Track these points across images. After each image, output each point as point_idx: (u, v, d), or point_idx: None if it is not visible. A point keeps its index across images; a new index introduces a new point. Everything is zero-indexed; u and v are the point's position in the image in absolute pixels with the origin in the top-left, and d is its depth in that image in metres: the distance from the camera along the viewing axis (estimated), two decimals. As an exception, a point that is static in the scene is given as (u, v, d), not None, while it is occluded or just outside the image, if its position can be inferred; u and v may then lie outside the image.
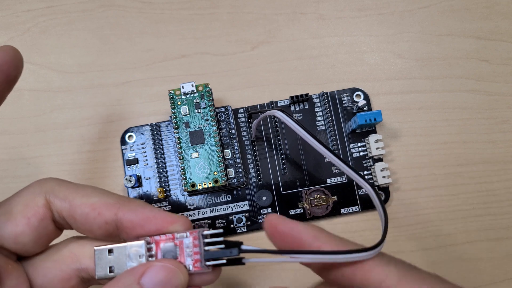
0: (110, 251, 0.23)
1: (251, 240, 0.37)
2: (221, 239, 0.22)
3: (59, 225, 0.24)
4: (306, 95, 0.37)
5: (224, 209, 0.37)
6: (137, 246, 0.22)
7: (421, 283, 0.20)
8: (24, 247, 0.23)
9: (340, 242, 0.22)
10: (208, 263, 0.22)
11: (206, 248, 0.22)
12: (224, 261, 0.22)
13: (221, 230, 0.22)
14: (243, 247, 0.22)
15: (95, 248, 0.23)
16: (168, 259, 0.22)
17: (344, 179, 0.37)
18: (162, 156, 0.37)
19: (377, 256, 0.21)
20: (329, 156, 0.27)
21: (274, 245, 0.23)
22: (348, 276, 0.21)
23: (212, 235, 0.22)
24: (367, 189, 0.24)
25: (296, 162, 0.37)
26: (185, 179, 0.35)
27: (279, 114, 0.30)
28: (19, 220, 0.22)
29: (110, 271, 0.22)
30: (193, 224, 0.36)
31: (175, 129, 0.35)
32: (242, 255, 0.22)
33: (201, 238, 0.22)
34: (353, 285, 0.21)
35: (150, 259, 0.22)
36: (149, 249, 0.22)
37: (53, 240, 0.25)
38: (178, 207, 0.37)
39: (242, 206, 0.37)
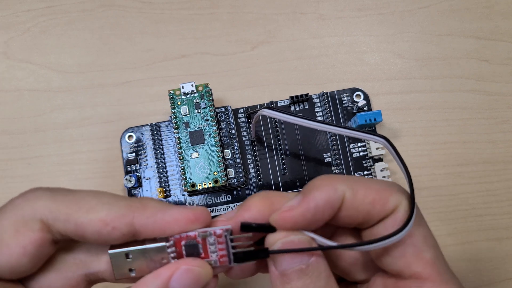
0: (127, 255, 0.21)
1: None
2: (249, 239, 0.21)
3: (60, 241, 0.21)
4: (306, 95, 0.37)
5: (224, 209, 0.37)
6: (158, 249, 0.21)
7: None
8: (22, 274, 0.20)
9: (367, 185, 0.22)
10: (237, 264, 0.21)
11: (233, 249, 0.21)
12: (254, 260, 0.21)
13: (250, 234, 0.21)
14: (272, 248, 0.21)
15: (109, 252, 0.21)
16: (193, 259, 0.21)
17: (344, 179, 0.37)
18: (162, 156, 0.37)
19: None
20: (328, 128, 0.26)
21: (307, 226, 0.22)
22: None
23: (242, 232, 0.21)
24: (380, 141, 0.24)
25: (296, 162, 0.37)
26: (185, 179, 0.35)
27: (266, 111, 0.29)
28: (13, 250, 0.19)
29: (130, 271, 0.21)
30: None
31: (175, 129, 0.35)
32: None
33: (227, 238, 0.21)
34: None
35: (172, 260, 0.21)
36: (170, 249, 0.21)
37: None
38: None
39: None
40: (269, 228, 0.21)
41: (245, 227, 0.21)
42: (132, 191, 0.37)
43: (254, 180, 0.37)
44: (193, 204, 0.37)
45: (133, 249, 0.21)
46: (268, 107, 0.30)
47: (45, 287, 0.21)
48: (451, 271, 0.21)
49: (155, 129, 0.37)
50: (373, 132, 0.24)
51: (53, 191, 0.21)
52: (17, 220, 0.20)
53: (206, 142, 0.35)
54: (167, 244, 0.21)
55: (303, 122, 0.28)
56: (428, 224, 0.22)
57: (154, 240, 0.21)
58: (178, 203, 0.37)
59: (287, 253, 0.20)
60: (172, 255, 0.21)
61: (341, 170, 0.37)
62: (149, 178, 0.37)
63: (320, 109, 0.38)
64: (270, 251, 0.21)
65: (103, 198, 0.21)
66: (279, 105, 0.38)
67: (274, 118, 0.37)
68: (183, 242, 0.21)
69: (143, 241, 0.21)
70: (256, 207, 0.21)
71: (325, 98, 0.38)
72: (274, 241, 0.21)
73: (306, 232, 0.21)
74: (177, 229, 0.21)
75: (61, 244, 0.22)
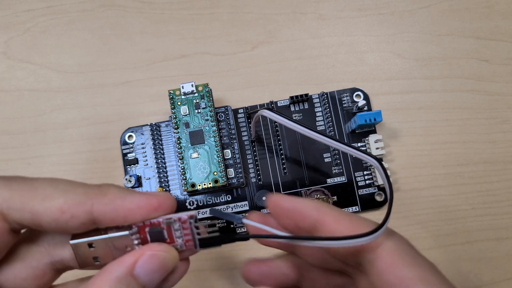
0: (90, 244, 0.20)
1: (252, 240, 0.37)
2: (213, 225, 0.21)
3: (19, 231, 0.21)
4: (306, 95, 0.37)
5: (224, 209, 0.37)
6: (121, 237, 0.20)
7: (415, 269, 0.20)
8: None
9: (341, 215, 0.22)
10: (203, 248, 0.21)
11: (198, 236, 0.21)
12: (219, 246, 0.21)
13: (214, 221, 0.21)
14: (245, 221, 0.22)
15: (71, 242, 0.20)
16: (158, 244, 0.20)
17: (344, 179, 0.37)
18: (162, 156, 0.37)
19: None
20: (324, 140, 0.27)
21: (279, 222, 0.23)
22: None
23: (201, 220, 0.21)
24: (372, 162, 0.25)
25: (296, 162, 0.37)
26: (185, 179, 0.35)
27: (266, 112, 0.30)
28: None
29: (94, 259, 0.21)
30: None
31: (175, 129, 0.35)
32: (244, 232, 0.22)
33: (192, 225, 0.21)
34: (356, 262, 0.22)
35: (137, 247, 0.20)
36: (134, 235, 0.20)
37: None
38: (178, 207, 0.37)
39: (242, 206, 0.37)
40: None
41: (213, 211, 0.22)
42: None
43: (254, 180, 0.37)
44: (193, 204, 0.37)
45: (95, 239, 0.20)
46: (268, 108, 0.30)
47: (10, 277, 0.21)
48: None
49: (155, 129, 0.37)
50: (367, 153, 0.25)
51: (8, 179, 0.20)
52: None
53: (206, 142, 0.35)
54: (130, 232, 0.20)
55: (299, 128, 0.28)
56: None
57: (117, 228, 0.20)
58: (178, 203, 0.37)
59: None
60: (136, 241, 0.20)
61: (341, 170, 0.37)
62: (149, 178, 0.37)
63: (320, 109, 0.38)
64: (236, 237, 0.21)
65: (60, 185, 0.20)
66: (279, 105, 0.38)
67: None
68: (147, 229, 0.20)
69: (106, 229, 0.20)
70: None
71: (325, 98, 0.38)
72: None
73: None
74: (139, 216, 0.20)
75: (24, 234, 0.21)
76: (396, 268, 0.20)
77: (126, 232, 0.20)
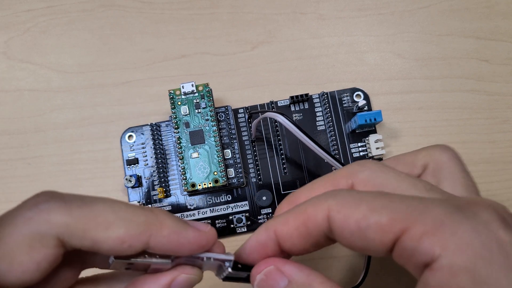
0: (130, 263, 0.20)
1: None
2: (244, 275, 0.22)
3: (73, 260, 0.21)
4: (306, 95, 0.37)
5: (224, 209, 0.37)
6: (162, 264, 0.21)
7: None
8: (29, 286, 0.19)
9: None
10: (224, 281, 0.22)
11: (225, 274, 0.22)
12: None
13: (244, 274, 0.22)
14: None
15: (113, 260, 0.20)
16: (191, 268, 0.21)
17: (344, 179, 0.37)
18: (162, 156, 0.37)
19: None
20: (330, 161, 0.27)
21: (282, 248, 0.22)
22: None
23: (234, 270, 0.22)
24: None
25: (296, 162, 0.37)
26: (185, 179, 0.35)
27: (280, 118, 0.30)
28: (26, 267, 0.18)
29: (126, 269, 0.21)
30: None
31: (175, 129, 0.35)
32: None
33: (224, 267, 0.22)
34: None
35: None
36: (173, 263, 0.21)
37: None
38: (178, 207, 0.37)
39: (242, 206, 0.37)
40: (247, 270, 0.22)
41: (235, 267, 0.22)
42: (132, 190, 0.37)
43: (254, 180, 0.37)
44: (192, 204, 0.37)
45: (139, 261, 0.20)
46: (281, 113, 0.30)
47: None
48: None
49: (155, 129, 0.37)
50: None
51: (67, 201, 0.19)
52: (31, 235, 0.18)
53: (206, 142, 0.35)
54: (171, 262, 0.21)
55: (312, 145, 0.28)
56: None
57: (157, 254, 0.21)
58: (178, 203, 0.37)
59: None
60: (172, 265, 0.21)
61: (341, 170, 0.37)
62: (149, 178, 0.37)
63: (320, 109, 0.38)
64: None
65: (120, 212, 0.20)
66: (279, 105, 0.38)
67: (274, 118, 0.37)
68: (184, 259, 0.21)
69: (150, 253, 0.21)
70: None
71: (325, 98, 0.38)
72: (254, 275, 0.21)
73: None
74: (187, 252, 0.21)
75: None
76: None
77: (168, 261, 0.21)
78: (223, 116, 0.37)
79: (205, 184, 0.34)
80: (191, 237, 0.20)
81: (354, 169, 0.22)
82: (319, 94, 0.38)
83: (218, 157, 0.35)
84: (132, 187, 0.37)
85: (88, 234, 0.19)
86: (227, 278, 0.22)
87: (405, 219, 0.17)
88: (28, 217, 0.18)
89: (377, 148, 0.36)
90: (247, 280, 0.22)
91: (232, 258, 0.22)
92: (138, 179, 0.37)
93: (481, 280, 0.15)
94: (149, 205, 0.37)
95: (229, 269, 0.22)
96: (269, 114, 0.32)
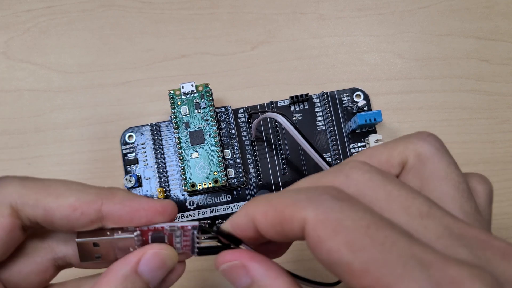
0: (95, 244, 0.21)
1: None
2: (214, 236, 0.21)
3: (28, 229, 0.22)
4: (306, 95, 0.37)
5: (224, 209, 0.37)
6: (126, 239, 0.21)
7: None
8: None
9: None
10: (200, 255, 0.22)
11: (198, 244, 0.21)
12: (216, 254, 0.21)
13: (214, 234, 0.21)
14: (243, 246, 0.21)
15: (77, 240, 0.21)
16: (158, 244, 0.21)
17: (344, 179, 0.37)
18: (162, 156, 0.37)
19: None
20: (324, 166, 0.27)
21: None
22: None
23: (204, 233, 0.21)
24: None
25: (296, 162, 0.37)
26: (185, 179, 0.35)
27: (280, 118, 0.30)
28: None
29: (96, 258, 0.21)
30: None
31: (175, 129, 0.35)
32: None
33: (194, 235, 0.21)
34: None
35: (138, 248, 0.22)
36: (137, 238, 0.21)
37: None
38: (178, 207, 0.37)
39: (242, 206, 0.37)
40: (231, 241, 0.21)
41: (204, 231, 0.21)
42: (132, 190, 0.37)
43: (254, 180, 0.37)
44: (193, 204, 0.37)
45: (102, 239, 0.21)
46: (282, 114, 0.30)
47: (14, 272, 0.21)
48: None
49: (155, 129, 0.37)
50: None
51: (22, 178, 0.21)
52: None
53: (206, 142, 0.35)
54: (135, 234, 0.21)
55: (298, 138, 0.28)
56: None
57: (121, 229, 0.21)
58: (178, 203, 0.37)
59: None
60: (138, 243, 0.21)
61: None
62: (149, 178, 0.37)
63: (320, 109, 0.38)
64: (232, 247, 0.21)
65: (73, 185, 0.21)
66: (279, 105, 0.38)
67: (274, 118, 0.37)
68: (150, 233, 0.21)
69: (111, 230, 0.21)
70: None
71: (325, 98, 0.38)
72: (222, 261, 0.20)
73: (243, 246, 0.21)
74: (144, 218, 0.21)
75: (30, 231, 0.22)
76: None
77: (132, 235, 0.21)
78: (223, 116, 0.37)
79: (205, 184, 0.34)
80: (144, 203, 0.21)
81: (339, 181, 0.18)
82: (319, 94, 0.38)
83: (218, 157, 0.35)
84: (132, 187, 0.37)
85: (40, 202, 0.20)
86: (201, 250, 0.22)
87: (377, 277, 0.14)
88: None
89: (377, 148, 0.36)
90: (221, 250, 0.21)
91: (196, 223, 0.21)
92: (138, 179, 0.37)
93: None
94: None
95: (196, 234, 0.21)
96: (269, 114, 0.32)
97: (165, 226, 0.21)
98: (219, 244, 0.21)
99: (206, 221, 0.37)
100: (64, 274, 0.23)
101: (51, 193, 0.20)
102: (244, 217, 0.19)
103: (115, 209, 0.20)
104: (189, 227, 0.21)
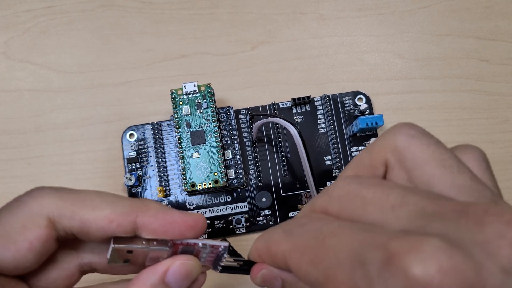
0: (129, 251, 0.21)
1: (250, 241, 0.37)
2: (240, 260, 0.22)
3: (63, 239, 0.22)
4: (308, 97, 0.37)
5: (224, 209, 0.37)
6: (160, 251, 0.22)
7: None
8: (25, 270, 0.21)
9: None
10: (222, 272, 0.23)
11: (222, 263, 0.23)
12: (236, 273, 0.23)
13: (242, 259, 0.22)
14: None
15: (114, 247, 0.21)
16: (185, 255, 0.22)
17: (344, 179, 0.37)
18: (163, 155, 0.37)
19: None
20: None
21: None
22: None
23: (231, 255, 0.22)
24: None
25: (297, 164, 0.37)
26: (185, 179, 0.35)
27: (292, 130, 0.31)
28: (20, 245, 0.20)
29: (124, 262, 0.22)
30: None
31: (176, 128, 0.35)
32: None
33: (221, 255, 0.22)
34: None
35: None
36: (170, 250, 0.22)
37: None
38: (177, 207, 0.37)
39: (241, 207, 0.37)
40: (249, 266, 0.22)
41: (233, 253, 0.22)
42: (132, 189, 0.37)
43: (254, 181, 0.37)
44: (192, 204, 0.37)
45: (138, 247, 0.21)
46: (291, 123, 0.31)
47: (42, 278, 0.22)
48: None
49: (157, 128, 0.37)
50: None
51: (58, 189, 0.21)
52: (24, 216, 0.20)
53: (207, 142, 0.35)
54: (168, 248, 0.21)
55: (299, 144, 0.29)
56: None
57: (156, 241, 0.22)
58: (178, 203, 0.37)
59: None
60: (168, 254, 0.22)
61: (341, 171, 0.37)
62: (150, 177, 0.37)
63: (322, 112, 0.38)
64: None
65: (107, 197, 0.21)
66: (280, 107, 0.38)
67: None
68: (181, 247, 0.22)
69: (147, 241, 0.22)
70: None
71: (327, 101, 0.38)
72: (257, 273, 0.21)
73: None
74: (177, 232, 0.21)
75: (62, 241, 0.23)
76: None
77: (167, 248, 0.21)
78: (225, 116, 0.37)
79: (205, 185, 0.35)
80: (177, 217, 0.21)
81: (325, 201, 0.19)
82: (321, 97, 0.38)
83: (218, 157, 0.35)
84: (132, 185, 0.37)
85: (77, 214, 0.20)
86: (224, 269, 0.22)
87: (338, 280, 0.15)
88: (22, 201, 0.21)
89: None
90: (244, 270, 0.22)
91: (227, 244, 0.22)
92: (138, 177, 0.37)
93: None
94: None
95: (225, 255, 0.22)
96: (280, 121, 0.32)
97: (198, 242, 0.22)
98: (240, 264, 0.22)
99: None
100: (88, 278, 0.24)
101: (87, 205, 0.20)
102: (255, 251, 0.21)
103: (149, 221, 0.21)
104: (220, 249, 0.22)
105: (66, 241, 0.23)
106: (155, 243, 0.22)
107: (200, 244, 0.22)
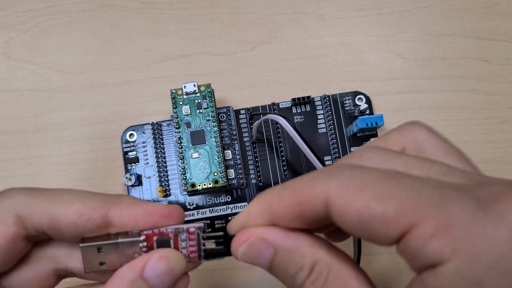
0: (99, 248, 0.21)
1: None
2: (220, 236, 0.22)
3: (33, 239, 0.22)
4: (308, 97, 0.37)
5: (224, 209, 0.37)
6: (130, 243, 0.21)
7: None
8: None
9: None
10: (206, 260, 0.22)
11: (204, 246, 0.22)
12: (223, 258, 0.22)
13: (220, 233, 0.22)
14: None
15: (81, 245, 0.21)
16: (164, 249, 0.21)
17: (344, 179, 0.37)
18: (163, 155, 0.37)
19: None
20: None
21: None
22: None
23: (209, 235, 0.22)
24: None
25: (297, 164, 0.37)
26: (185, 179, 0.35)
27: (282, 121, 0.30)
28: None
29: (101, 264, 0.21)
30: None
31: (176, 128, 0.35)
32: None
33: (199, 236, 0.21)
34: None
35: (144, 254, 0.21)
36: (142, 243, 0.21)
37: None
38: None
39: (241, 207, 0.37)
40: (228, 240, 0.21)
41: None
42: (132, 189, 0.37)
43: (254, 181, 0.37)
44: (192, 204, 0.37)
45: (106, 243, 0.21)
46: (284, 116, 0.30)
47: (16, 280, 0.21)
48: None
49: (156, 128, 0.37)
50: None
51: (29, 188, 0.21)
52: None
53: (207, 142, 0.35)
54: (140, 238, 0.21)
55: (299, 141, 0.29)
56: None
57: (126, 234, 0.21)
58: (178, 203, 0.37)
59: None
60: (143, 249, 0.21)
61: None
62: (149, 177, 0.37)
63: (322, 112, 0.38)
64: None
65: (79, 193, 0.21)
66: (281, 107, 0.38)
67: (275, 121, 0.37)
68: (155, 238, 0.21)
69: (115, 235, 0.21)
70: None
71: (327, 101, 0.38)
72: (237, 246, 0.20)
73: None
74: (150, 223, 0.21)
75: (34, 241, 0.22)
76: None
77: (136, 238, 0.21)
78: (225, 116, 0.37)
79: (205, 185, 0.35)
80: (151, 208, 0.21)
81: (355, 162, 0.19)
82: (321, 97, 0.38)
83: (218, 157, 0.35)
84: (132, 185, 0.37)
85: (47, 209, 0.20)
86: (208, 254, 0.22)
87: (415, 213, 0.15)
88: None
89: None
90: (228, 253, 0.21)
91: (201, 224, 0.21)
92: (138, 177, 0.37)
93: None
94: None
95: (202, 236, 0.21)
96: (271, 116, 0.32)
97: (169, 228, 0.21)
98: (220, 241, 0.22)
99: (205, 221, 0.37)
100: (69, 280, 0.23)
101: (58, 201, 0.20)
102: (258, 205, 0.19)
103: (121, 214, 0.21)
104: (193, 229, 0.21)
105: (41, 243, 0.22)
106: (124, 235, 0.21)
107: (172, 229, 0.21)
